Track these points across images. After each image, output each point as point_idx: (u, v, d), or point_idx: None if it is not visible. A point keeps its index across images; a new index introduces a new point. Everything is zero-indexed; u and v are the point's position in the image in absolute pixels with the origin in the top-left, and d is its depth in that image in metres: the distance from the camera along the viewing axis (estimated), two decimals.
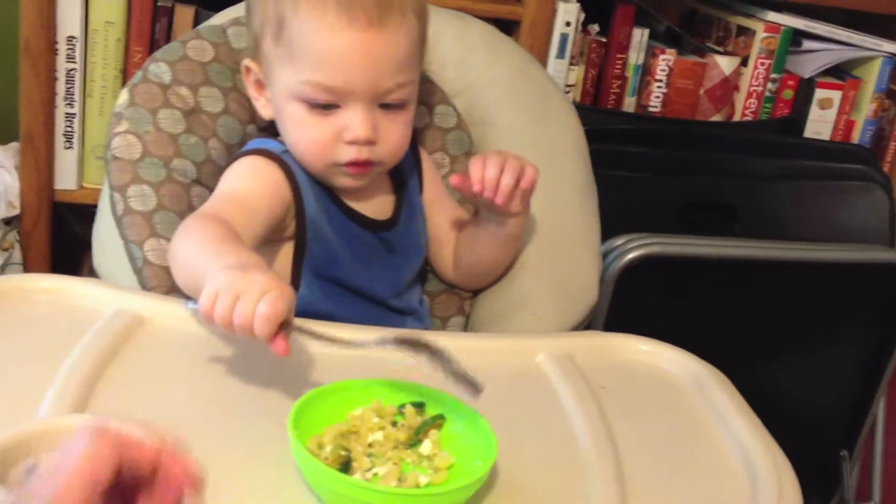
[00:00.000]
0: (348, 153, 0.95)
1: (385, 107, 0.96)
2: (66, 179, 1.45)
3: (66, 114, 1.42)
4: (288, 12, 0.93)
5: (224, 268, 0.77)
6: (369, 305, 1.02)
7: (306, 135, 0.96)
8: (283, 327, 0.74)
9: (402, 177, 1.07)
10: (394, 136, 0.97)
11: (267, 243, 0.98)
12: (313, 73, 0.93)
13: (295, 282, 0.98)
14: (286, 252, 0.99)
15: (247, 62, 1.01)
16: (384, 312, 1.02)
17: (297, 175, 0.98)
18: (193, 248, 0.84)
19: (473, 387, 0.72)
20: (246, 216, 0.91)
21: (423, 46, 1.00)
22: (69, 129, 1.43)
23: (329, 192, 1.00)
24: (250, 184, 0.96)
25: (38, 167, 1.41)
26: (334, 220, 1.00)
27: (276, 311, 0.73)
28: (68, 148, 1.44)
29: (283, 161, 0.98)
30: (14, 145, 1.46)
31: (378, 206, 1.04)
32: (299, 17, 0.92)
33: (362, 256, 1.01)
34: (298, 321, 0.77)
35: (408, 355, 0.72)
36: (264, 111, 1.01)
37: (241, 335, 0.74)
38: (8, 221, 1.44)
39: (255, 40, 0.98)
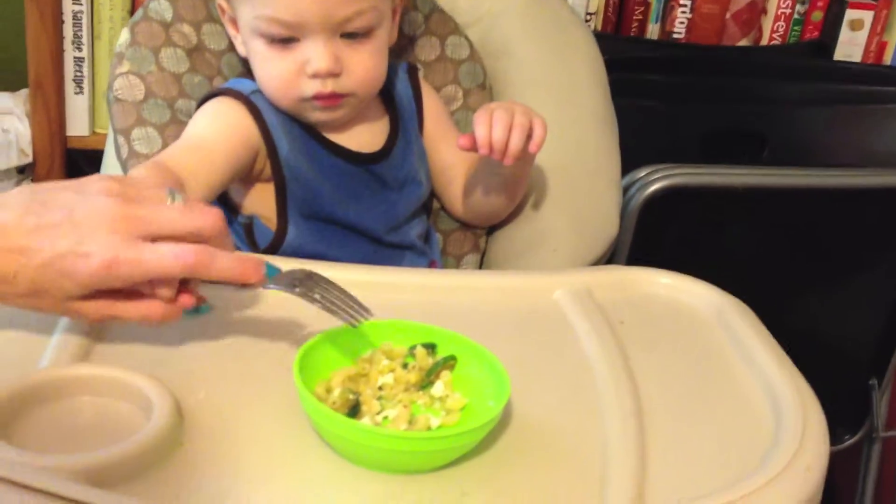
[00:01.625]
0: (312, 87, 0.93)
1: (349, 36, 0.92)
2: (77, 125, 1.44)
3: (75, 58, 1.40)
4: None
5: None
6: (362, 241, 0.99)
7: (270, 71, 0.93)
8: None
9: (398, 109, 1.04)
10: (361, 65, 0.94)
11: (247, 185, 0.97)
12: (265, 7, 0.90)
13: (282, 223, 0.96)
14: (269, 193, 0.97)
15: (220, 1, 0.98)
16: (378, 248, 1.00)
17: (266, 115, 0.95)
18: None
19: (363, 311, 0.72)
20: (204, 163, 0.90)
21: None
22: (79, 73, 1.41)
23: (308, 129, 0.98)
24: (211, 129, 0.94)
25: (49, 114, 1.40)
26: (315, 156, 0.97)
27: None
28: (78, 93, 1.42)
29: (251, 102, 0.95)
30: (24, 92, 1.44)
31: (367, 138, 1.01)
32: None
33: (350, 191, 0.99)
34: None
35: (298, 293, 0.71)
36: (241, 49, 0.99)
37: None
38: (21, 170, 1.43)
39: None
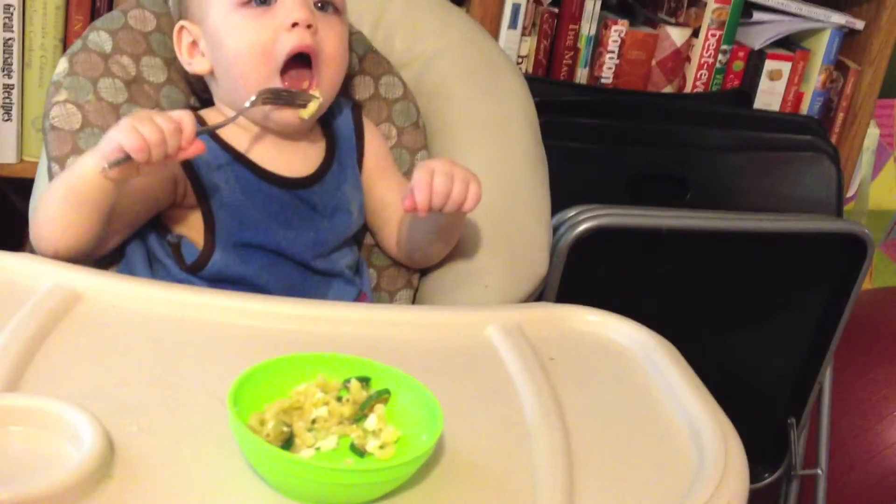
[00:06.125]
0: (291, 40, 0.96)
1: (321, 8, 0.98)
2: (5, 153, 1.41)
3: (4, 85, 1.38)
4: None
5: (114, 128, 0.85)
6: (289, 266, 1.00)
7: (247, 37, 0.96)
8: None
9: (336, 138, 1.05)
10: (331, 39, 0.99)
11: (176, 210, 0.98)
12: None
13: (208, 248, 0.97)
14: (197, 220, 0.97)
15: (180, 24, 1.00)
16: (306, 274, 1.01)
17: None
18: (59, 181, 0.90)
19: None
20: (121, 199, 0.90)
21: None
22: (7, 100, 1.39)
23: (236, 155, 0.99)
24: None
25: None
26: (243, 182, 0.98)
27: (190, 116, 0.86)
28: (7, 120, 1.40)
29: None
30: None
31: (299, 163, 1.02)
32: None
33: (278, 216, 0.99)
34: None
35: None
36: (200, 66, 1.00)
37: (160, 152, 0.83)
38: None
39: None
